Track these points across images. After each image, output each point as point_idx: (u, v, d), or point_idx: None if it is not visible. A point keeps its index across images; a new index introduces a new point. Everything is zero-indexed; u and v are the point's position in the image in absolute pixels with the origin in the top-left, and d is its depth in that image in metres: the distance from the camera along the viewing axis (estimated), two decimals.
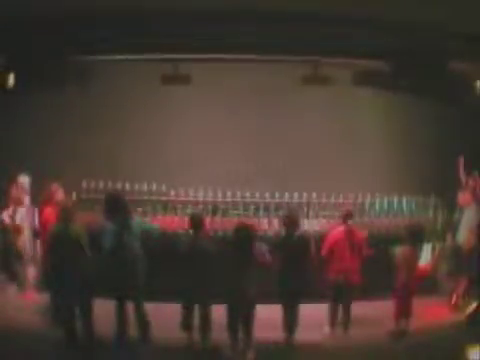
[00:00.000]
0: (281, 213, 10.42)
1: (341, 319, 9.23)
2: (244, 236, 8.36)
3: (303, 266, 8.75)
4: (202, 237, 8.75)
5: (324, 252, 9.13)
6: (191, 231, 8.82)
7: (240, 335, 8.37)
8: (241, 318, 8.35)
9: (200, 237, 8.72)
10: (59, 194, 9.48)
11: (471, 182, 10.48)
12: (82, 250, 8.44)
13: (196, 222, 8.77)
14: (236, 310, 8.35)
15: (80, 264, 8.37)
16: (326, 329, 9.25)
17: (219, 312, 8.45)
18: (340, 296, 9.18)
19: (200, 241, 8.66)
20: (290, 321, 8.81)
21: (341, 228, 9.25)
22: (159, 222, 10.69)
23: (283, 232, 9.14)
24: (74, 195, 10.54)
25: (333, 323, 9.23)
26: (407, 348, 8.76)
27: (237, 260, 8.33)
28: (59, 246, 8.42)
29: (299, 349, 8.74)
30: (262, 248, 8.46)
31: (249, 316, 8.34)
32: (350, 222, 9.22)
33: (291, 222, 8.97)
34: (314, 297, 9.06)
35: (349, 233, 9.17)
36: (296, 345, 8.77)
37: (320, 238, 9.43)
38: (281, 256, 8.76)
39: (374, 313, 9.76)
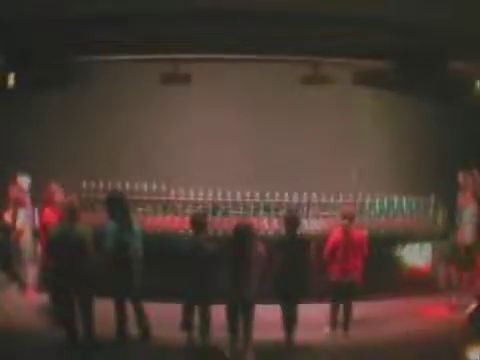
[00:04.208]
0: (281, 213, 10.42)
1: (341, 319, 9.23)
2: (244, 236, 8.37)
3: (303, 266, 8.74)
4: (203, 237, 8.74)
5: (325, 253, 9.12)
6: (192, 231, 8.82)
7: (240, 335, 8.38)
8: (241, 318, 8.36)
9: (201, 237, 8.71)
10: (58, 194, 9.48)
11: (469, 181, 10.47)
12: (85, 250, 8.41)
13: (198, 222, 8.73)
14: (236, 310, 8.35)
15: (82, 264, 8.36)
16: (326, 329, 9.25)
17: (219, 312, 8.46)
18: (341, 296, 9.18)
19: (201, 241, 8.66)
20: (289, 321, 8.81)
21: (342, 228, 9.24)
22: (159, 222, 10.71)
23: (283, 232, 9.14)
24: (74, 195, 10.51)
25: (333, 323, 9.23)
26: (407, 348, 8.76)
27: (237, 260, 8.33)
28: (62, 246, 8.39)
29: (299, 349, 8.73)
30: (259, 247, 8.46)
31: (249, 316, 8.35)
32: (351, 222, 9.21)
33: (292, 222, 8.96)
34: (314, 297, 9.05)
35: (350, 233, 9.16)
36: (296, 345, 8.77)
37: (320, 238, 9.43)
38: (281, 256, 8.75)
39: (374, 313, 9.76)
